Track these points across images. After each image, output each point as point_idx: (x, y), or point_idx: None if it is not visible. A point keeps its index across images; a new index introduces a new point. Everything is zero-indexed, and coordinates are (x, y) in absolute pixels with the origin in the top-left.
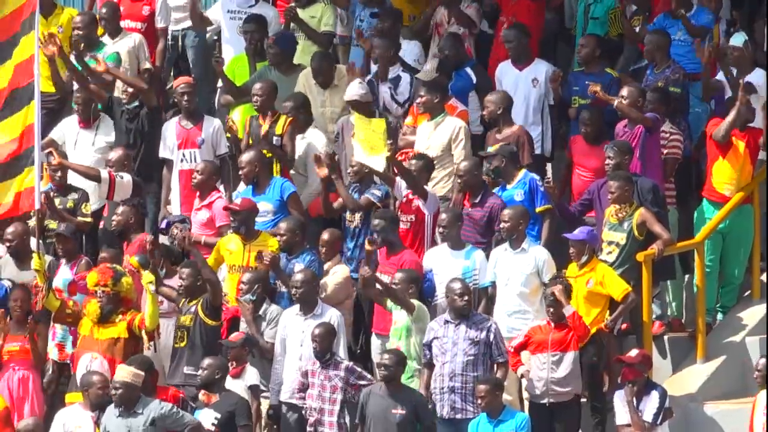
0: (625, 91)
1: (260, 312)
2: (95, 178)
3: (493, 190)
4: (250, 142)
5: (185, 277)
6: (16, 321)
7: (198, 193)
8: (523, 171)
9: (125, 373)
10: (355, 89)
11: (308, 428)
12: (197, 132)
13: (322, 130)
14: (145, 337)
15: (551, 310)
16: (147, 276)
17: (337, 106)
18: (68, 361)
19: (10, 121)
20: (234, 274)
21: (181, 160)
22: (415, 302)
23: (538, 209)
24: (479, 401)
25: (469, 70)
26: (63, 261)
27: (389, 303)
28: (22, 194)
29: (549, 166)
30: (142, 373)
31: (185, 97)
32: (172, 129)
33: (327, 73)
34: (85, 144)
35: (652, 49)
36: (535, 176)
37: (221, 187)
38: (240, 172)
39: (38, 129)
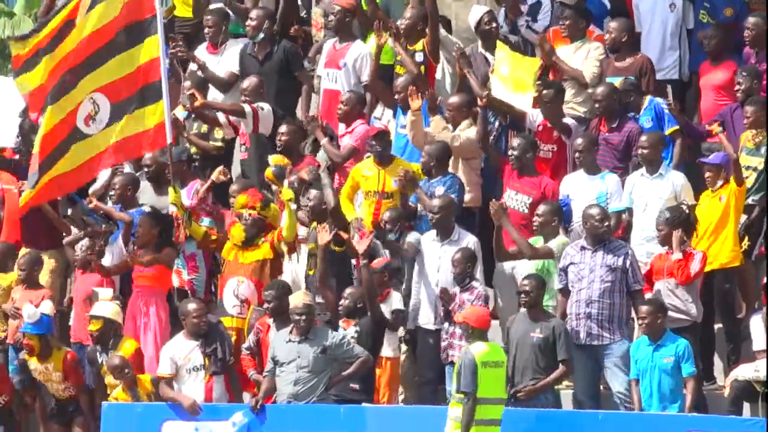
0: (750, 21)
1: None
2: (240, 113)
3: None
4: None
5: (312, 198)
6: (144, 248)
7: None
8: (648, 98)
9: (303, 298)
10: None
11: (441, 353)
12: (342, 54)
13: (450, 45)
14: (284, 249)
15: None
16: (286, 192)
17: (464, 20)
18: (186, 288)
19: (133, 52)
20: (370, 200)
21: (325, 78)
22: (560, 237)
23: (667, 131)
24: (640, 322)
25: None
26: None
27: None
28: (154, 130)
29: (669, 88)
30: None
31: (338, 16)
32: (326, 47)
33: None
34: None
35: None
36: (659, 100)
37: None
38: (396, 96)
39: (164, 63)
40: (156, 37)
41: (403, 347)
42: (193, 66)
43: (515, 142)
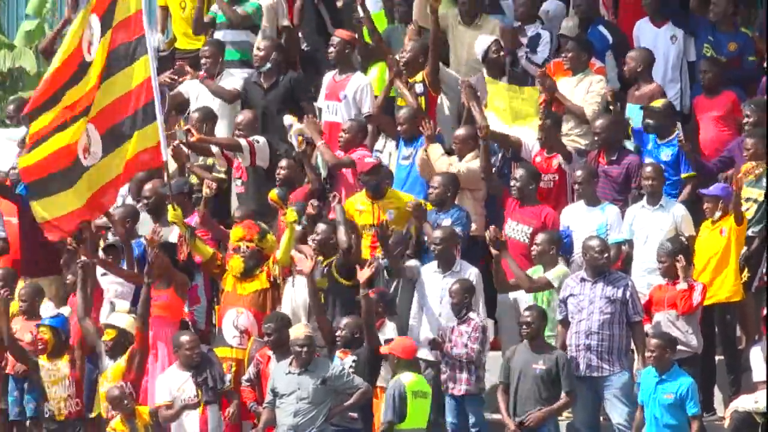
0: None
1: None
2: (236, 148)
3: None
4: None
5: (320, 233)
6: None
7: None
8: (677, 131)
9: (303, 330)
10: (487, 42)
11: (441, 384)
12: (343, 86)
13: (451, 80)
14: (277, 271)
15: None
16: (291, 213)
17: (473, 54)
18: (187, 319)
19: (121, 76)
20: (366, 234)
21: (325, 111)
22: (560, 267)
23: (684, 175)
24: (648, 354)
25: (602, 28)
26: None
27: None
28: (149, 152)
29: (678, 125)
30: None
31: (338, 48)
32: (326, 79)
33: (473, 3)
34: (205, 100)
35: None
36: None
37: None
38: (399, 128)
39: (156, 83)
40: (146, 58)
41: None
42: (186, 88)
43: (518, 173)
